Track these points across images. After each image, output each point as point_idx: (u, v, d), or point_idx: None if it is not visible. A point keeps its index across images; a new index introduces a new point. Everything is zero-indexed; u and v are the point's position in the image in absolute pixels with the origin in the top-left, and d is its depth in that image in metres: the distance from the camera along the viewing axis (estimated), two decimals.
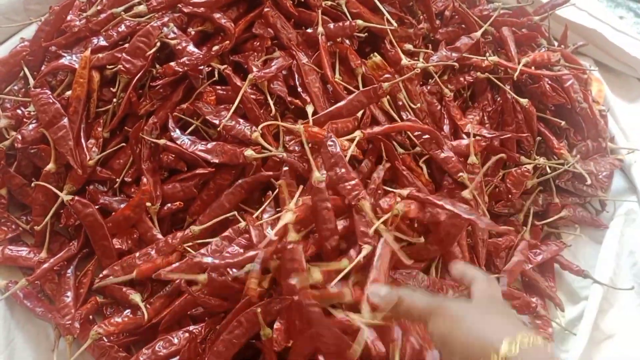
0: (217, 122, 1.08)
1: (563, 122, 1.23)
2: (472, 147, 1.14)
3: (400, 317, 0.78)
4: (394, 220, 0.95)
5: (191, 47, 1.10)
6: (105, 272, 1.02)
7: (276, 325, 0.89)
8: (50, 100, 1.06)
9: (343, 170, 0.98)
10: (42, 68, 1.14)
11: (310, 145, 1.00)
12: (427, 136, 1.14)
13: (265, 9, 1.18)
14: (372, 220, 0.92)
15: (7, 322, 1.03)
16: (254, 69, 1.12)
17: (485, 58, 1.26)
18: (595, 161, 1.30)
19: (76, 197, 1.02)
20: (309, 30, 1.22)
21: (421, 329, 0.81)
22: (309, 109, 1.11)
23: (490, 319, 0.70)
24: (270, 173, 1.05)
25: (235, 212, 1.03)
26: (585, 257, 1.29)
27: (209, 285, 0.91)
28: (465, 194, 1.04)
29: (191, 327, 0.95)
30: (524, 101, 1.22)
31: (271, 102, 1.10)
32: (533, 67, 1.26)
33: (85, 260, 1.09)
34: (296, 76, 1.17)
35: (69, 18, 1.16)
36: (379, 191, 1.05)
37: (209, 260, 0.91)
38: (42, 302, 1.05)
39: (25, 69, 1.16)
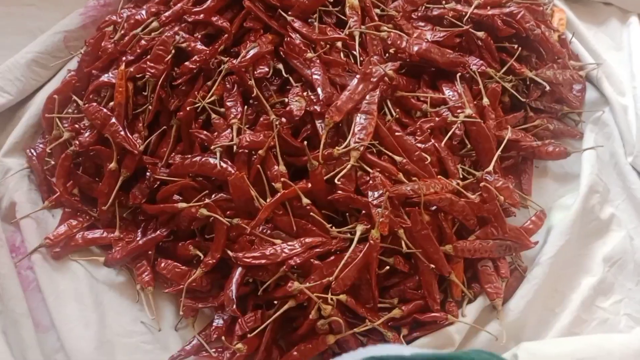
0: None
1: (516, 46, 1.42)
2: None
3: None
4: None
5: (200, 46, 1.35)
6: None
7: None
8: (99, 109, 1.33)
9: None
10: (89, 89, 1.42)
11: None
12: None
13: (246, 3, 1.37)
14: None
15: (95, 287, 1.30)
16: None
17: (443, 6, 1.47)
18: (555, 73, 1.46)
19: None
20: None
21: None
22: None
23: None
24: None
25: None
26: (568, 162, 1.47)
27: None
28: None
29: None
30: (480, 34, 1.40)
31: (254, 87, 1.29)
32: (488, 7, 1.46)
33: None
34: None
35: (102, 45, 1.44)
36: None
37: None
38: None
39: (74, 96, 1.44)
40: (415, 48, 1.34)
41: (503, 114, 1.40)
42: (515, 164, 1.43)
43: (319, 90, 1.25)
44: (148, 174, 1.34)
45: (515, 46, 1.41)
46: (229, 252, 1.19)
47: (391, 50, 1.36)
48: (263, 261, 1.14)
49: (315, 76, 1.28)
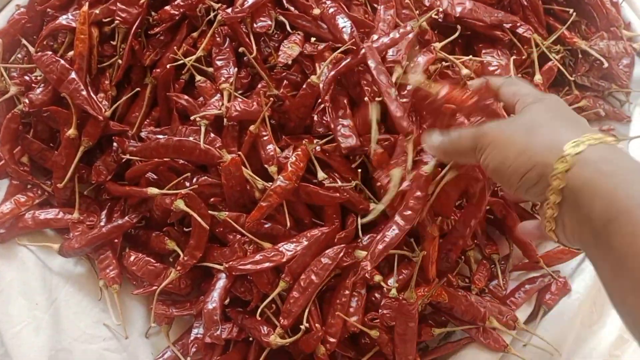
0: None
1: (571, 10, 1.18)
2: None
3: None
4: None
5: None
6: None
7: None
8: (54, 59, 1.06)
9: None
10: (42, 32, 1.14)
11: None
12: None
13: None
14: None
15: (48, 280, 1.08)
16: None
17: None
18: (608, 44, 1.24)
19: None
20: None
21: None
22: None
23: (547, 125, 0.65)
24: None
25: None
26: None
27: None
28: None
29: None
30: None
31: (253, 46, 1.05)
32: None
33: None
34: None
35: None
36: None
37: None
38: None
39: (23, 40, 1.17)
40: (459, 9, 1.09)
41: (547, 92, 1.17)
42: None
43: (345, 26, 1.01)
44: (115, 145, 1.09)
45: (570, 11, 1.17)
46: (213, 265, 0.99)
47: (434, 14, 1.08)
48: (266, 264, 0.92)
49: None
